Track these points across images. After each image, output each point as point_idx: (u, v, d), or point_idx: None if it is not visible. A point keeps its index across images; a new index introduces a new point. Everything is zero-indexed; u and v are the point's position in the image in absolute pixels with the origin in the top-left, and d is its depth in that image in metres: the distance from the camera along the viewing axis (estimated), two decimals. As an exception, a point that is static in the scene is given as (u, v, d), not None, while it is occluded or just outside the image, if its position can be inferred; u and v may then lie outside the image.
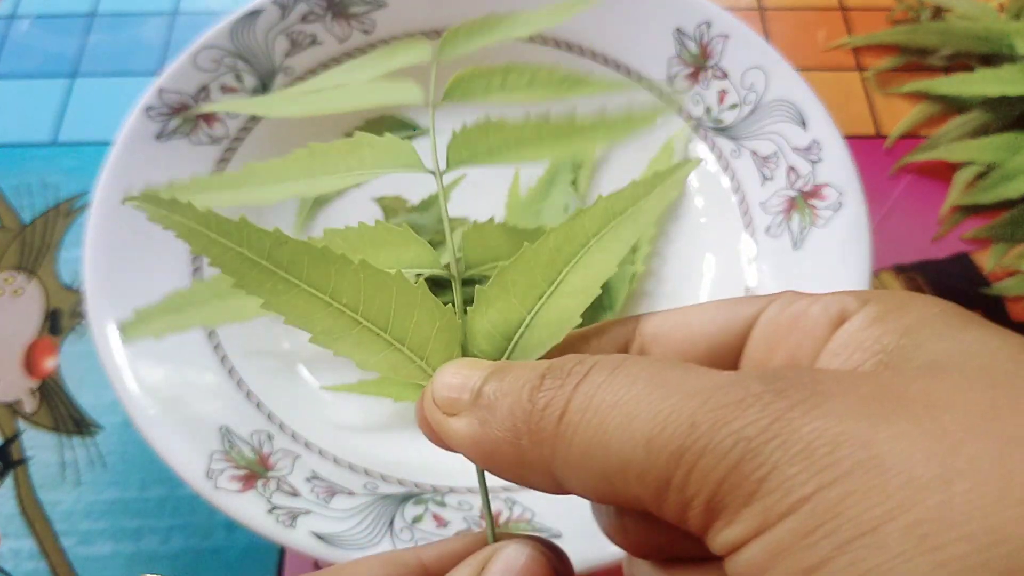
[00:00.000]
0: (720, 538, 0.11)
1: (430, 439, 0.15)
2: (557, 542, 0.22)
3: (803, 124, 0.29)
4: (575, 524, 0.23)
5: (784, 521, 0.10)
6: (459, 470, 0.26)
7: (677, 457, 0.11)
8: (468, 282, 0.25)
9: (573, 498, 0.24)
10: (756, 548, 0.10)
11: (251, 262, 0.14)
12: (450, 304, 0.15)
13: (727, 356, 0.15)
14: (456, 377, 0.14)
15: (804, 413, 0.10)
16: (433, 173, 0.18)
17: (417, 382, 0.15)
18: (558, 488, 0.13)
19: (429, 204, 0.31)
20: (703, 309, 0.15)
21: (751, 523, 0.10)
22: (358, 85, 0.23)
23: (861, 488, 0.09)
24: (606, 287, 0.27)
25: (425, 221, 0.31)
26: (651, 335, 0.15)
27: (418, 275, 0.28)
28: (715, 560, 0.11)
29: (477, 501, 0.24)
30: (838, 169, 0.28)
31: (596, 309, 0.29)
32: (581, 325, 0.16)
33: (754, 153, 0.30)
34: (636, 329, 0.16)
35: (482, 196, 0.31)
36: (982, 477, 0.09)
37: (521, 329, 0.16)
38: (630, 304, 0.30)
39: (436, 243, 0.30)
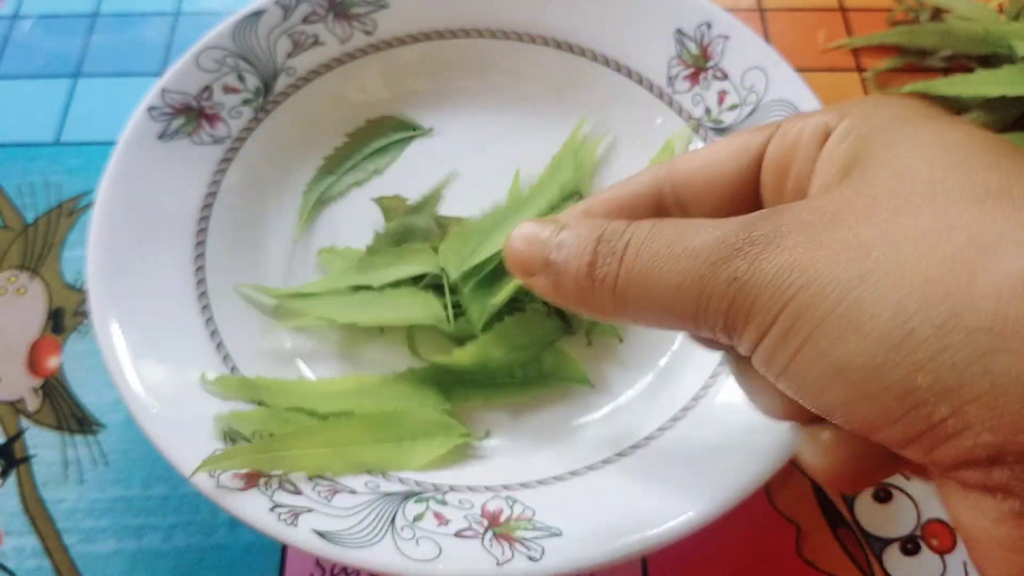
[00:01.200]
0: (740, 347, 0.15)
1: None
2: (557, 541, 0.22)
3: (803, 125, 0.29)
4: (575, 523, 0.23)
5: (770, 330, 0.14)
6: (458, 470, 0.26)
7: (696, 301, 0.15)
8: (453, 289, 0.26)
9: (573, 497, 0.24)
10: (761, 351, 0.15)
11: None
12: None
13: (747, 189, 0.19)
14: (527, 244, 0.18)
15: (769, 253, 0.14)
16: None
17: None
18: (627, 321, 0.17)
19: (425, 204, 0.31)
20: (721, 147, 0.19)
21: (753, 335, 0.15)
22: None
23: (808, 299, 0.14)
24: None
25: (422, 222, 0.31)
26: (681, 180, 0.19)
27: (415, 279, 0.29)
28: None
29: (478, 499, 0.24)
30: (837, 170, 0.28)
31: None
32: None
33: (754, 154, 0.30)
34: (668, 172, 0.20)
35: (481, 195, 0.31)
36: (884, 274, 0.13)
37: None
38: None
39: (435, 247, 0.30)
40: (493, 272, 0.28)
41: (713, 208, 0.19)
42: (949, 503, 0.14)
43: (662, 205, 0.20)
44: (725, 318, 0.15)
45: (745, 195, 0.19)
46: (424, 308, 0.28)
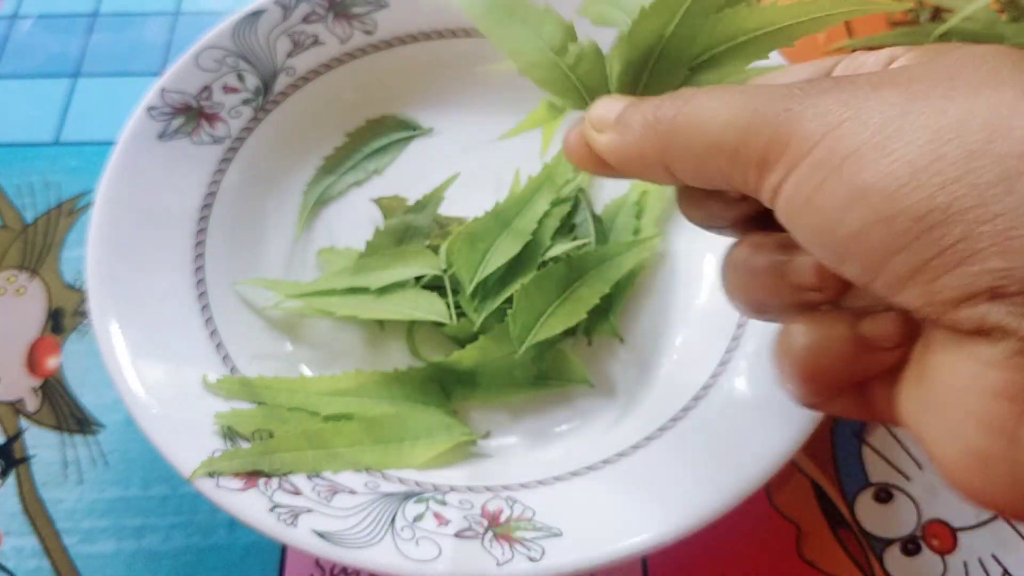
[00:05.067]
0: (766, 186, 0.16)
1: (577, 159, 0.20)
2: (557, 541, 0.22)
3: (803, 125, 0.29)
4: (575, 523, 0.23)
5: (804, 160, 0.15)
6: (458, 470, 0.26)
7: (742, 132, 0.16)
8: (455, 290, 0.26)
9: (574, 497, 0.24)
10: (788, 185, 0.15)
11: None
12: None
13: None
14: (607, 105, 0.19)
15: (825, 93, 0.15)
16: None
17: (573, 107, 0.21)
18: (669, 176, 0.18)
19: (425, 204, 0.31)
20: (785, 73, 0.20)
21: (784, 167, 0.15)
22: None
23: (849, 129, 0.14)
24: (606, 295, 0.28)
25: (422, 221, 0.31)
26: None
27: (417, 279, 0.29)
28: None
29: (477, 500, 0.24)
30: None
31: (597, 313, 0.29)
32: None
33: (754, 153, 0.30)
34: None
35: (481, 195, 0.31)
36: (928, 110, 0.14)
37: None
38: (632, 304, 0.30)
39: (434, 247, 0.30)
40: (497, 277, 0.28)
41: None
42: (936, 360, 0.14)
43: None
44: (763, 153, 0.15)
45: None
46: (426, 304, 0.28)
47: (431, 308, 0.28)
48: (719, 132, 0.16)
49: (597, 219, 0.31)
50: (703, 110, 0.16)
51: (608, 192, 0.33)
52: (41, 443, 0.29)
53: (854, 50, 0.21)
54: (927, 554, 0.27)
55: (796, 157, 0.15)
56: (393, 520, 0.23)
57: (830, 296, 0.17)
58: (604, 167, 0.19)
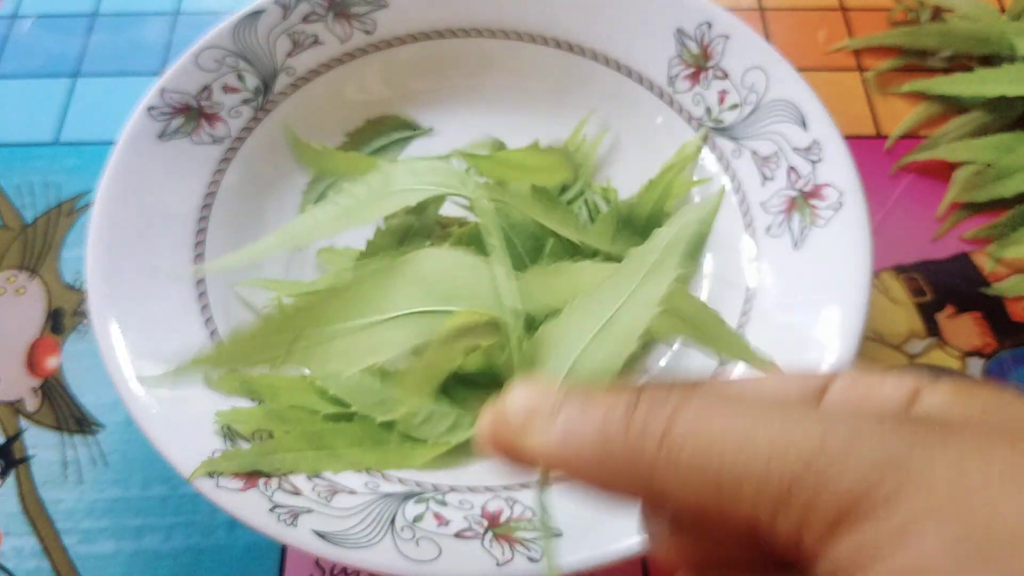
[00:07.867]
0: (837, 550, 0.11)
1: (501, 457, 0.15)
2: (558, 541, 0.22)
3: (803, 124, 0.29)
4: (576, 523, 0.23)
5: (900, 541, 0.11)
6: (458, 470, 0.26)
7: (805, 472, 0.11)
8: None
9: (574, 497, 0.24)
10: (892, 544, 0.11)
11: None
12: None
13: None
14: (531, 398, 0.14)
15: (936, 446, 0.11)
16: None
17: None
18: (652, 498, 0.13)
19: (425, 206, 0.31)
20: (763, 385, 0.15)
21: (874, 534, 0.11)
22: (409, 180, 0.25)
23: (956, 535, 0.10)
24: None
25: (423, 222, 0.31)
26: None
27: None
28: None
29: (478, 500, 0.24)
30: (838, 169, 0.28)
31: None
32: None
33: (754, 153, 0.30)
34: None
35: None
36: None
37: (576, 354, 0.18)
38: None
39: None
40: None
41: None
42: None
43: None
44: (845, 507, 0.11)
45: None
46: None
47: None
48: (755, 468, 0.11)
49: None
50: (719, 433, 0.12)
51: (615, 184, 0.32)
52: (41, 443, 0.29)
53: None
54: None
55: (888, 530, 0.11)
56: (393, 520, 0.23)
57: None
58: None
